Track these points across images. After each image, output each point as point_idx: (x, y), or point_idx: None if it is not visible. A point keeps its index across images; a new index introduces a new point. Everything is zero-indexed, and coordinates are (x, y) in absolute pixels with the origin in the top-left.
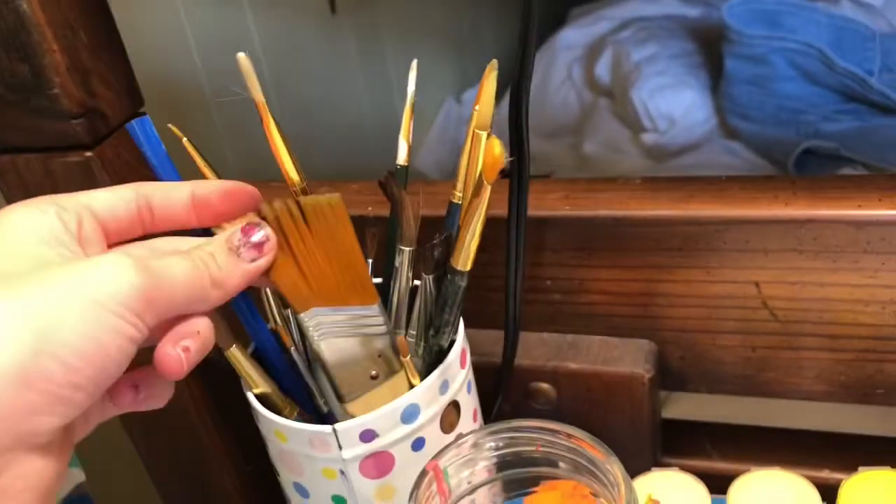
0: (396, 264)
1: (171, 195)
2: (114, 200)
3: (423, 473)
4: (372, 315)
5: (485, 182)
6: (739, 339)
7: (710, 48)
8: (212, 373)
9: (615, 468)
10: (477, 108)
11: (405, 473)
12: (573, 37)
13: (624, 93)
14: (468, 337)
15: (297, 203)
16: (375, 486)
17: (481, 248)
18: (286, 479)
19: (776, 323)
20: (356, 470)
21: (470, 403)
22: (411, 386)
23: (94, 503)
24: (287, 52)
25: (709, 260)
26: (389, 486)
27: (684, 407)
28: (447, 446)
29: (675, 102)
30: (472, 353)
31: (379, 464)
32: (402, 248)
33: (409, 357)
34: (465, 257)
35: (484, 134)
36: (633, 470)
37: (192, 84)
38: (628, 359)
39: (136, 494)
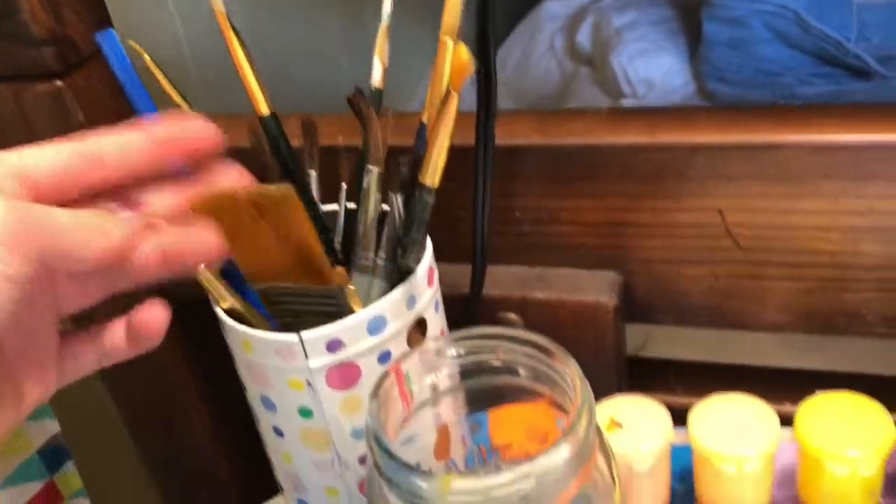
0: (364, 185)
1: (123, 141)
2: (48, 155)
3: (385, 375)
4: (331, 298)
5: (451, 91)
6: (704, 269)
7: (689, 15)
8: (186, 316)
9: (572, 369)
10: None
11: (371, 386)
12: (557, 7)
13: (604, 59)
14: (438, 270)
15: (250, 193)
16: (342, 398)
17: (448, 178)
18: (253, 393)
19: (739, 251)
20: (322, 381)
21: (437, 322)
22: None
23: (69, 454)
24: (267, 18)
25: (674, 188)
26: (356, 398)
27: (650, 346)
28: (410, 351)
29: (654, 67)
30: (440, 286)
31: (345, 375)
32: (371, 167)
33: (351, 285)
34: (432, 172)
35: (450, 41)
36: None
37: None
38: (594, 289)
39: (110, 444)
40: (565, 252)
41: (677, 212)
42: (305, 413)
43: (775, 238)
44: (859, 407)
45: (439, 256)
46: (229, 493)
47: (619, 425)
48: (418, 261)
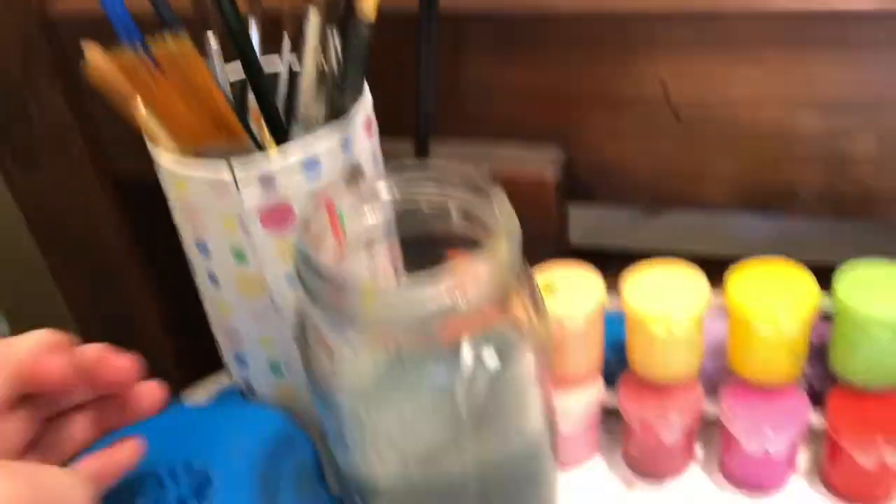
0: (305, 28)
1: (46, 367)
2: None
3: (316, 204)
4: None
5: None
6: (645, 144)
7: None
8: (134, 198)
9: (499, 199)
10: None
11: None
12: None
13: None
14: (381, 145)
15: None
16: (276, 241)
17: (392, 51)
18: (188, 239)
19: (681, 126)
20: (256, 220)
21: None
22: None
23: None
24: None
25: (617, 56)
26: (290, 241)
27: (592, 235)
28: (342, 185)
29: None
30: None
31: (279, 215)
32: (309, 7)
33: (262, 123)
34: (368, 6)
35: None
36: None
37: None
38: (537, 164)
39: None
40: (509, 126)
41: (621, 79)
42: (240, 256)
43: (715, 110)
44: (787, 273)
45: (382, 132)
46: (171, 373)
47: (554, 290)
48: (355, 100)
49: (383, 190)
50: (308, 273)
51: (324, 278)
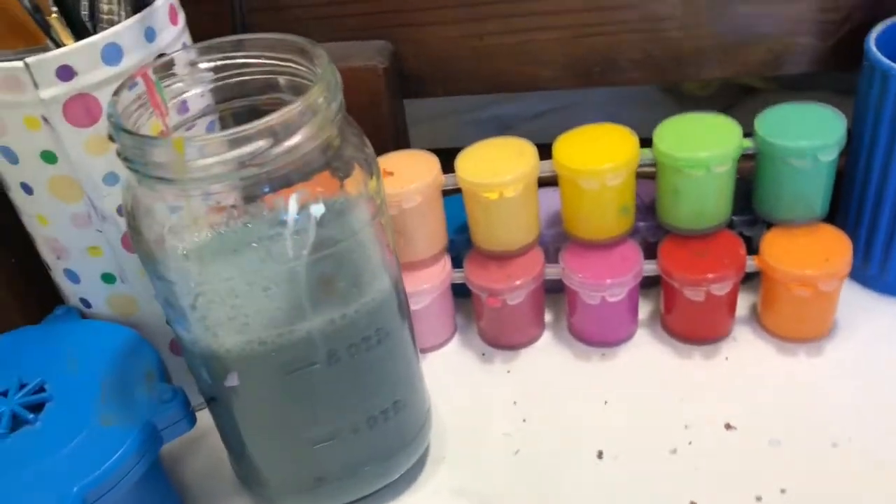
0: None
1: None
2: None
3: (130, 78)
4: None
5: None
6: (466, 29)
7: None
8: None
9: (320, 55)
10: None
11: None
12: None
13: None
14: None
15: None
16: (84, 137)
17: None
18: None
19: (500, 4)
20: (59, 115)
21: None
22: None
23: None
24: None
25: None
26: (100, 137)
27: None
28: (158, 58)
29: None
30: None
31: (84, 109)
32: None
33: (54, 16)
34: None
35: None
36: None
37: None
38: (365, 55)
39: None
40: (335, 24)
41: None
42: (49, 157)
43: None
44: (609, 133)
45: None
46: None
47: (391, 173)
48: None
49: (201, 66)
50: (122, 137)
51: (134, 136)
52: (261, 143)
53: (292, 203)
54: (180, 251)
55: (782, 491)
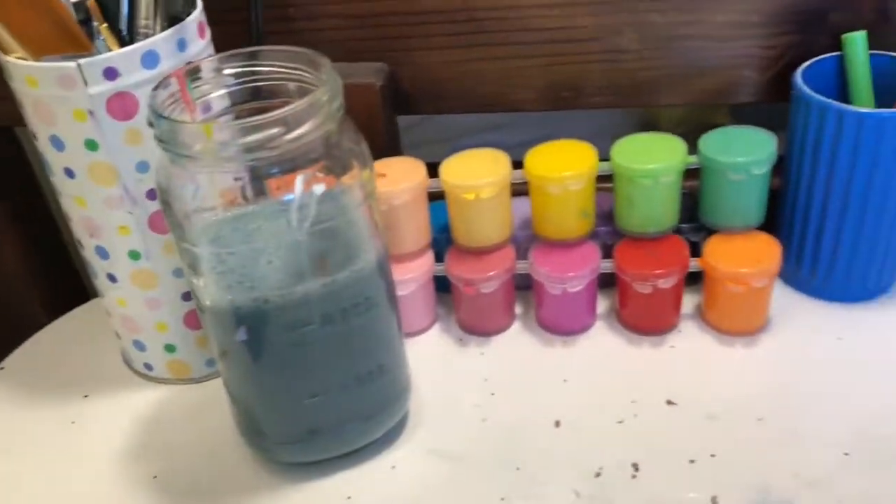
0: None
1: None
2: None
3: (167, 77)
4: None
5: None
6: (455, 55)
7: None
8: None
9: (325, 65)
10: None
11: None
12: None
13: None
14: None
15: None
16: (124, 130)
17: None
18: (43, 139)
19: (483, 34)
20: (103, 110)
21: None
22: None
23: None
24: None
25: None
26: (136, 130)
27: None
28: (189, 64)
29: None
30: None
31: (124, 105)
32: None
33: (104, 26)
34: None
35: None
36: None
37: None
38: (364, 74)
39: None
40: (336, 46)
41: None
42: (91, 145)
43: (509, 18)
44: (573, 147)
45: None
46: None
47: (384, 175)
48: (188, 13)
49: (224, 72)
50: (161, 123)
51: (172, 121)
52: (274, 131)
53: (299, 182)
54: (202, 222)
55: (712, 455)
